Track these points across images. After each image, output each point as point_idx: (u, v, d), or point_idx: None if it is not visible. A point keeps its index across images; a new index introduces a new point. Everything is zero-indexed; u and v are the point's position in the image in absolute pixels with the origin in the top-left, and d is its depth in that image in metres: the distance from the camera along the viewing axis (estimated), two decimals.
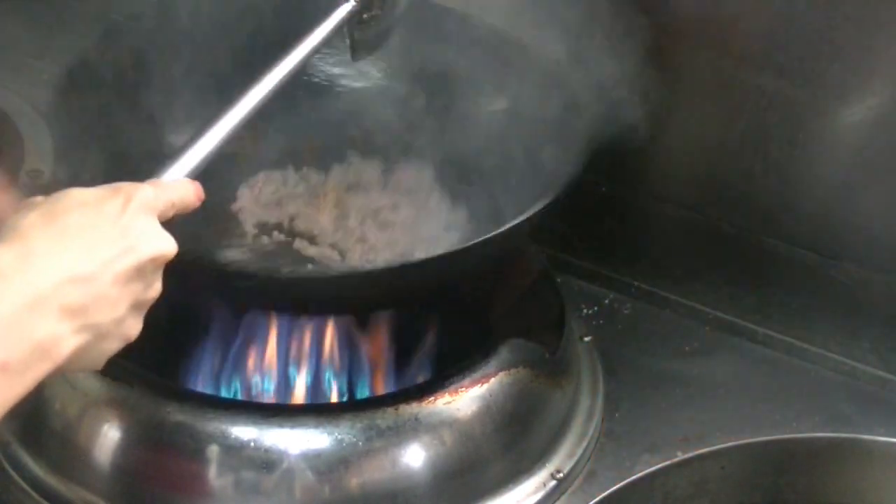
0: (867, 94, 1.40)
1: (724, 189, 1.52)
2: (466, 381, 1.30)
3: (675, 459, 1.32)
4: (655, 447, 1.39)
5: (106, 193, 0.99)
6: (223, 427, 1.24)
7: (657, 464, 1.31)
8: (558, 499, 1.34)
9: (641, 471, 1.30)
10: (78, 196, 0.99)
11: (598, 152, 1.54)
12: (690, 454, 1.32)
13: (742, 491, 1.34)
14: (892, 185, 1.43)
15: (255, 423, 1.25)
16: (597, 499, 1.27)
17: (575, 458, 1.36)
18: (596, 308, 1.58)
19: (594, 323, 1.56)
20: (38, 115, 1.81)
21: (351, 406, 1.26)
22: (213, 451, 1.24)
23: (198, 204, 1.06)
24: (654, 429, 1.42)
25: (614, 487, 1.28)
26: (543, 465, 1.34)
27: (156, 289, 1.00)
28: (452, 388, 1.29)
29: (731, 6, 1.41)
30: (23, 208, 0.99)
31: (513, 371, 1.32)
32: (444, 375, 1.30)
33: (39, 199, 1.00)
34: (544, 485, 1.33)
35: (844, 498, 1.33)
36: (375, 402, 1.27)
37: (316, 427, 1.25)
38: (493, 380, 1.31)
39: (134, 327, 0.99)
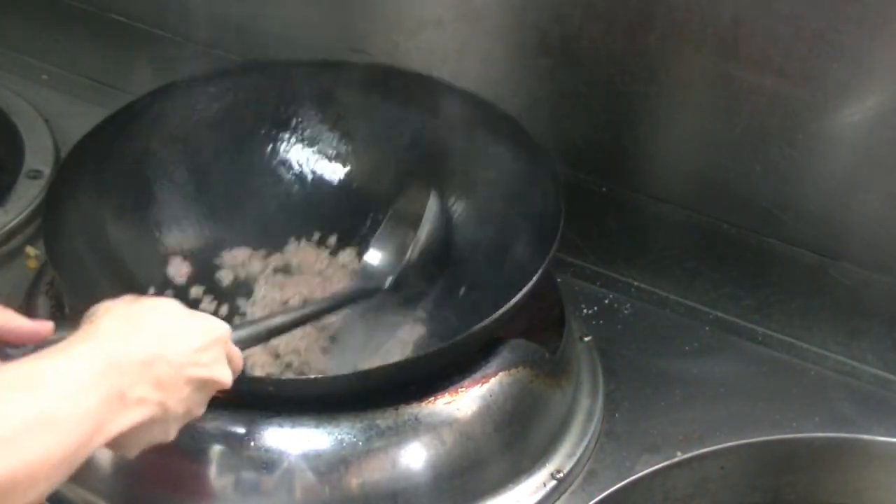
0: (867, 94, 1.40)
1: (724, 189, 1.52)
2: (466, 381, 1.30)
3: (675, 459, 1.31)
4: (655, 447, 1.39)
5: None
6: (223, 427, 1.24)
7: (657, 464, 1.31)
8: (558, 499, 1.34)
9: (641, 471, 1.30)
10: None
11: (597, 152, 1.55)
12: (690, 454, 1.32)
13: (742, 491, 1.33)
14: (892, 185, 1.43)
15: (255, 422, 1.25)
16: (597, 499, 1.27)
17: (575, 458, 1.36)
18: (596, 308, 1.58)
19: (594, 323, 1.56)
20: (37, 115, 1.81)
21: (351, 406, 1.26)
22: (213, 451, 1.24)
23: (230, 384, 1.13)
24: (654, 429, 1.42)
25: (614, 487, 1.28)
26: (543, 465, 1.34)
27: (201, 409, 1.08)
28: (452, 388, 1.29)
29: (731, 6, 1.41)
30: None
31: (513, 371, 1.32)
32: (443, 375, 1.30)
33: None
34: (544, 485, 1.33)
35: (844, 498, 1.33)
36: (375, 402, 1.27)
37: (316, 427, 1.25)
38: (493, 380, 1.31)
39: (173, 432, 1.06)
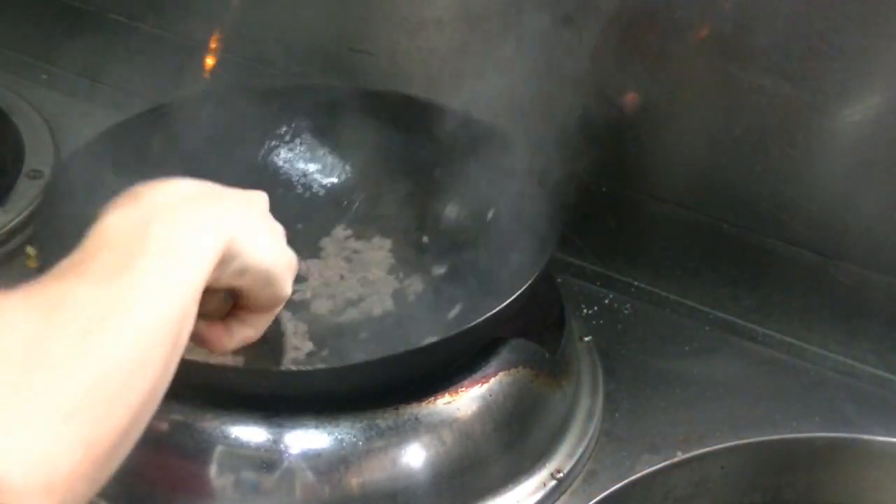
0: (867, 94, 1.40)
1: (724, 189, 1.52)
2: (466, 381, 1.30)
3: (675, 459, 1.32)
4: (655, 447, 1.39)
5: None
6: (223, 427, 1.24)
7: (657, 464, 1.31)
8: (558, 499, 1.34)
9: (641, 471, 1.30)
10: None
11: (597, 153, 1.55)
12: (690, 454, 1.32)
13: (742, 491, 1.33)
14: (893, 185, 1.43)
15: (255, 422, 1.25)
16: (597, 499, 1.27)
17: (575, 458, 1.36)
18: (596, 308, 1.58)
19: (594, 323, 1.56)
20: (37, 115, 1.81)
21: (351, 406, 1.26)
22: (214, 451, 1.24)
23: None
24: (654, 429, 1.41)
25: (614, 487, 1.28)
26: (543, 465, 1.34)
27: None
28: (452, 387, 1.29)
29: (731, 6, 1.41)
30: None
31: (513, 371, 1.32)
32: (444, 375, 1.30)
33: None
34: (544, 485, 1.34)
35: (844, 498, 1.33)
36: (375, 402, 1.27)
37: (316, 427, 1.25)
38: (493, 380, 1.31)
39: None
